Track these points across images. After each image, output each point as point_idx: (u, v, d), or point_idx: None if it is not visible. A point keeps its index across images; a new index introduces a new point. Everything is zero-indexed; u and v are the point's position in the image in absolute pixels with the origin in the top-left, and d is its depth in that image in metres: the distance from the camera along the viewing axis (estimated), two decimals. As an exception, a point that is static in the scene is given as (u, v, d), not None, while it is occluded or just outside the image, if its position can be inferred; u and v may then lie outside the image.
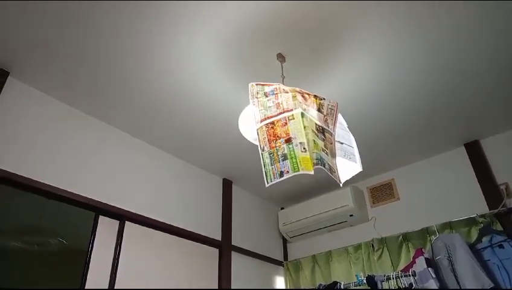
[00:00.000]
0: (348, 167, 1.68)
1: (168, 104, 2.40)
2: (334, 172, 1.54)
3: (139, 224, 2.49)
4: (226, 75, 2.20)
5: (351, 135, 1.73)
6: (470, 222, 2.57)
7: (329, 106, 1.61)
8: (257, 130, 1.56)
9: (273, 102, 1.57)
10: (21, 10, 1.75)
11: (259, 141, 1.53)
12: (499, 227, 2.45)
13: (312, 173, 1.42)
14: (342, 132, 1.69)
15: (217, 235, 3.00)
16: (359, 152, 1.79)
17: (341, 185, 1.60)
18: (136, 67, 2.11)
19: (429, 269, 2.28)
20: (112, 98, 2.34)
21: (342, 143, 1.67)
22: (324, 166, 1.52)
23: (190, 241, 2.78)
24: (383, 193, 3.23)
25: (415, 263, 2.41)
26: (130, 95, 2.32)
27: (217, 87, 2.29)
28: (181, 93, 2.32)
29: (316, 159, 1.49)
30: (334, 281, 2.65)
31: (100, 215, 2.31)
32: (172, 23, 1.85)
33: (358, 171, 1.72)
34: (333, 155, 1.58)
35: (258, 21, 1.86)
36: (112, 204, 2.35)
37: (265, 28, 1.90)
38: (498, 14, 1.86)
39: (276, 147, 1.48)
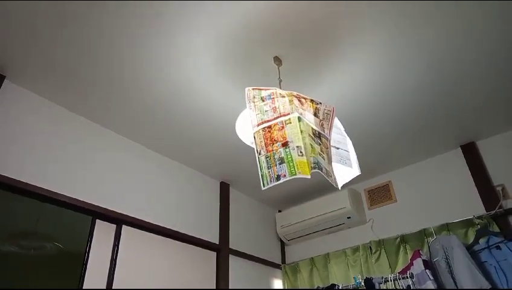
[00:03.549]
0: (346, 170, 1.68)
1: (166, 107, 2.40)
2: (331, 176, 1.54)
3: (136, 228, 2.48)
4: (223, 78, 2.20)
5: (347, 138, 1.73)
6: (467, 223, 2.58)
7: (326, 111, 1.61)
8: (254, 134, 1.55)
9: (269, 106, 1.56)
10: (17, 13, 1.75)
11: (256, 145, 1.53)
12: (496, 228, 2.46)
13: (309, 176, 1.42)
14: (338, 136, 1.69)
15: (215, 239, 2.99)
16: (356, 155, 1.79)
17: (339, 189, 1.60)
18: (134, 69, 2.11)
19: (427, 270, 2.28)
20: (109, 101, 2.33)
21: (337, 148, 1.67)
22: (321, 170, 1.52)
23: (188, 244, 2.77)
24: (380, 195, 3.24)
25: (412, 265, 2.41)
26: (127, 98, 2.31)
27: (214, 90, 2.29)
28: (178, 97, 2.32)
29: (314, 163, 1.48)
30: (332, 284, 2.66)
31: (97, 219, 2.30)
32: (170, 25, 1.85)
33: (356, 175, 1.72)
34: (330, 160, 1.58)
35: (254, 24, 1.86)
36: (109, 208, 2.34)
37: (262, 31, 1.90)
38: (495, 14, 1.87)
39: (273, 150, 1.48)
